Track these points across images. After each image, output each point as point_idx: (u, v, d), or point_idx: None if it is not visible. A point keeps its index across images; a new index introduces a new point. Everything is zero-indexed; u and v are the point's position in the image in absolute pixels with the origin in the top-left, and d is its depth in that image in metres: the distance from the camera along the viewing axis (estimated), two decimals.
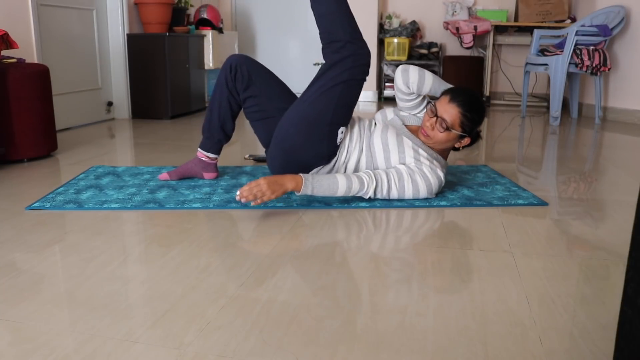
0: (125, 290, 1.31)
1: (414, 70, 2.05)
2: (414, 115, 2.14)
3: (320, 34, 2.01)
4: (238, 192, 1.80)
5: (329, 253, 1.55)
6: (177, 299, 1.26)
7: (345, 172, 2.06)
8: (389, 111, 2.17)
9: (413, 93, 2.08)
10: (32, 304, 1.24)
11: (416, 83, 2.04)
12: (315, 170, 2.04)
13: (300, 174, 1.87)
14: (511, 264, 1.49)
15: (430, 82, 2.05)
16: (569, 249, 1.60)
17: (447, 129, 1.96)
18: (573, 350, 1.07)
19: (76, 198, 2.04)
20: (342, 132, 2.01)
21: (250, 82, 2.14)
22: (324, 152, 2.01)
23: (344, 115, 2.00)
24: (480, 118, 1.99)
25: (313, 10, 2.01)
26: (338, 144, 2.02)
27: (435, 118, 1.97)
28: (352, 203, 1.99)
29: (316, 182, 1.87)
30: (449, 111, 1.95)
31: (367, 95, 5.74)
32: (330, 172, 2.06)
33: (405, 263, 1.48)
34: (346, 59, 1.96)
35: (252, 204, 1.83)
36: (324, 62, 2.03)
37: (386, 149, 2.00)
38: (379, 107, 5.25)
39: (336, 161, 2.05)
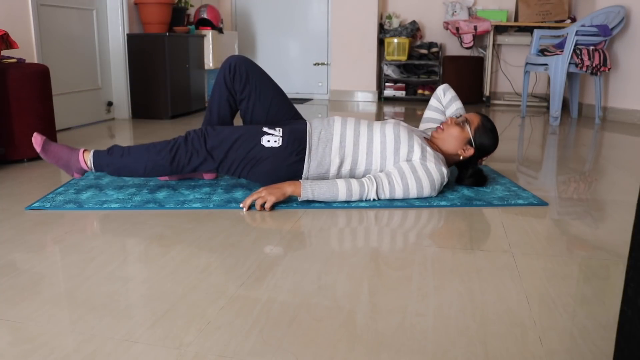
0: (125, 290, 1.31)
1: (452, 91, 2.42)
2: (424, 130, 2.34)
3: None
4: (242, 205, 1.93)
5: (329, 253, 1.55)
6: (177, 299, 1.26)
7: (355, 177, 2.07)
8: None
9: (441, 106, 2.39)
10: (32, 304, 1.24)
11: (449, 98, 2.38)
12: (304, 172, 2.03)
13: (299, 180, 1.92)
14: (511, 264, 1.49)
15: (458, 105, 2.37)
16: (569, 249, 1.60)
17: (466, 121, 2.12)
18: (573, 350, 1.07)
19: (76, 198, 2.04)
20: (271, 133, 2.02)
21: (247, 83, 2.17)
22: (286, 156, 2.01)
23: (258, 124, 2.16)
24: (489, 143, 2.14)
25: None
26: (276, 143, 2.01)
27: (458, 117, 2.18)
28: (352, 203, 1.99)
29: (315, 185, 1.94)
30: (472, 118, 2.17)
31: (367, 95, 5.74)
32: (323, 178, 2.06)
33: (405, 263, 1.48)
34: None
35: (265, 210, 1.92)
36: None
37: (397, 139, 2.04)
38: (379, 107, 5.25)
39: (328, 168, 2.04)
